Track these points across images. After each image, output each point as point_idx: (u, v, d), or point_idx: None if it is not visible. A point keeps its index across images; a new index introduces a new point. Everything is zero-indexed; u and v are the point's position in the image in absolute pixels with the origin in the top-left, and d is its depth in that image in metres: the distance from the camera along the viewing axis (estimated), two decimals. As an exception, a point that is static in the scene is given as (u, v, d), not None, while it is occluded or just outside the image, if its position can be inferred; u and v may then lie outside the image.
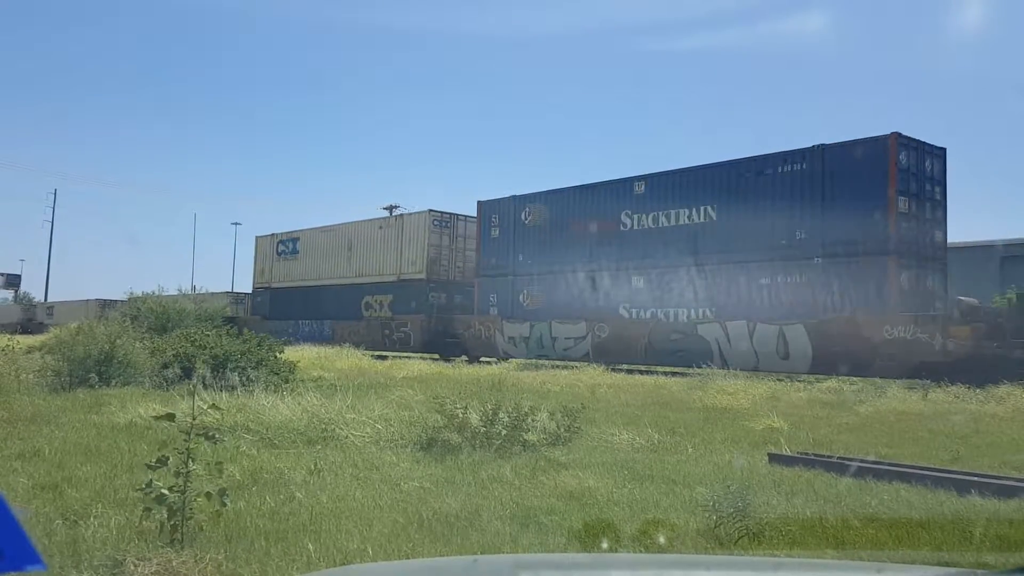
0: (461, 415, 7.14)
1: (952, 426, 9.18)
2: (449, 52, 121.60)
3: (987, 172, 76.29)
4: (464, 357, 23.61)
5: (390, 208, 38.85)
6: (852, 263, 16.59)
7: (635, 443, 7.47)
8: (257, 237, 36.50)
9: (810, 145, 17.46)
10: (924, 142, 16.76)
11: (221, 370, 11.39)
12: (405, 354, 24.78)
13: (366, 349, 25.78)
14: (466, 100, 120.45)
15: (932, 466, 6.27)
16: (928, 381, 13.05)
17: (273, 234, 35.33)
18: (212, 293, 39.22)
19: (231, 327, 15.31)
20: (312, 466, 5.87)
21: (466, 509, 4.73)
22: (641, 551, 3.97)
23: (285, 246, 34.38)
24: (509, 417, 7.12)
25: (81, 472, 5.64)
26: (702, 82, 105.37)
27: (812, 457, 6.54)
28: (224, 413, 6.32)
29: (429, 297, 26.66)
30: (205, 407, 4.45)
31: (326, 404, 8.47)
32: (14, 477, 5.44)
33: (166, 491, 3.78)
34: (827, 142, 17.29)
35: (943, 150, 17.12)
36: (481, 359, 23.11)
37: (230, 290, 43.62)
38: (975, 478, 5.59)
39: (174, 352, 12.48)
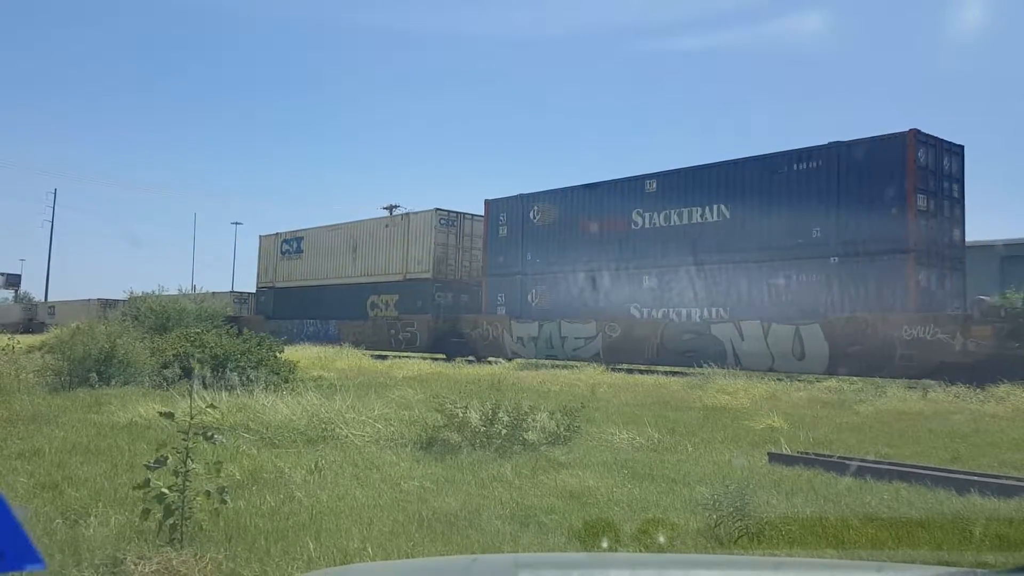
0: (461, 414, 7.14)
1: (952, 426, 9.19)
2: (449, 52, 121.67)
3: (988, 172, 76.29)
4: (471, 357, 23.35)
5: (390, 208, 38.88)
6: (869, 262, 16.33)
7: (635, 442, 7.47)
8: (261, 236, 36.32)
9: (824, 143, 17.23)
10: (942, 139, 16.50)
11: (221, 370, 11.39)
12: (411, 354, 24.54)
13: (372, 349, 25.67)
14: (466, 100, 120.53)
15: (932, 465, 6.27)
16: (948, 382, 12.90)
17: (277, 233, 35.17)
18: (216, 293, 39.21)
19: (231, 327, 15.30)
20: (312, 465, 5.87)
21: (466, 508, 4.73)
22: (641, 550, 3.97)
23: (289, 245, 34.23)
24: (509, 416, 7.12)
25: (81, 471, 5.64)
26: (702, 82, 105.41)
27: (812, 456, 6.54)
28: (224, 412, 6.32)
29: (435, 297, 26.47)
30: (204, 406, 4.45)
31: (326, 403, 8.47)
32: (14, 476, 5.44)
33: (165, 490, 3.78)
34: (832, 141, 17.09)
35: (961, 147, 16.87)
36: (489, 359, 22.86)
37: (232, 290, 43.63)
38: (975, 477, 5.59)
39: (174, 352, 12.49)
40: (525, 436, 7.03)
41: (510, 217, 24.29)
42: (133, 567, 3.42)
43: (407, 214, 29.05)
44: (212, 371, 11.19)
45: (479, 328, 24.44)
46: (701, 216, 19.34)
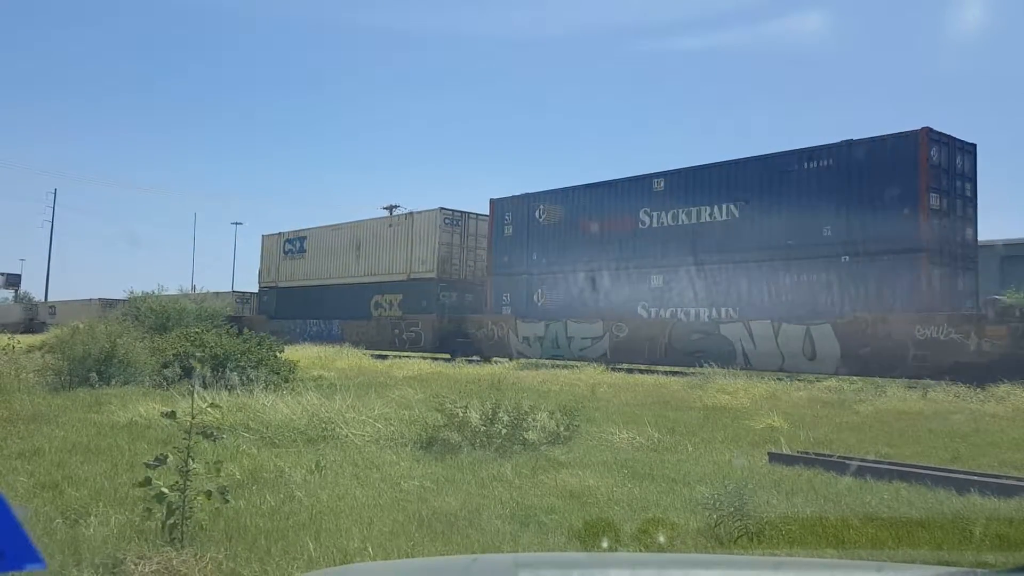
0: (461, 414, 7.13)
1: (952, 425, 9.19)
2: (449, 52, 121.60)
3: (989, 172, 76.23)
4: (476, 357, 23.19)
5: (390, 208, 38.80)
6: (882, 261, 16.18)
7: (635, 442, 7.47)
8: (263, 236, 36.20)
9: (835, 141, 17.07)
10: (955, 137, 16.35)
11: (221, 369, 11.39)
12: (416, 354, 24.38)
13: (376, 349, 25.55)
14: (466, 100, 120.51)
15: (932, 465, 6.27)
16: (963, 382, 12.80)
17: (280, 233, 35.08)
18: (218, 293, 39.17)
19: (231, 327, 15.30)
20: (312, 465, 5.87)
21: (466, 508, 4.73)
22: (641, 550, 3.97)
23: (292, 245, 34.15)
24: (509, 416, 7.12)
25: (81, 471, 5.64)
26: (702, 82, 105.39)
27: (812, 456, 6.54)
28: (224, 412, 6.32)
29: (440, 296, 26.33)
30: (205, 406, 4.46)
31: (326, 403, 8.47)
32: (14, 476, 5.44)
33: (165, 490, 3.78)
34: (843, 139, 16.94)
35: (973, 146, 16.72)
36: (494, 359, 22.69)
37: (232, 289, 43.61)
38: (975, 477, 5.60)
39: (174, 352, 12.49)
40: (525, 436, 7.03)
41: (515, 216, 24.16)
42: (133, 567, 3.42)
43: (411, 213, 28.86)
44: (212, 371, 11.20)
45: (484, 328, 24.29)
46: (710, 215, 19.18)
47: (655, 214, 20.41)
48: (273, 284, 35.03)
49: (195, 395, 4.95)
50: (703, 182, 19.50)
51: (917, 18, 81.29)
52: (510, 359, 22.47)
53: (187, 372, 11.58)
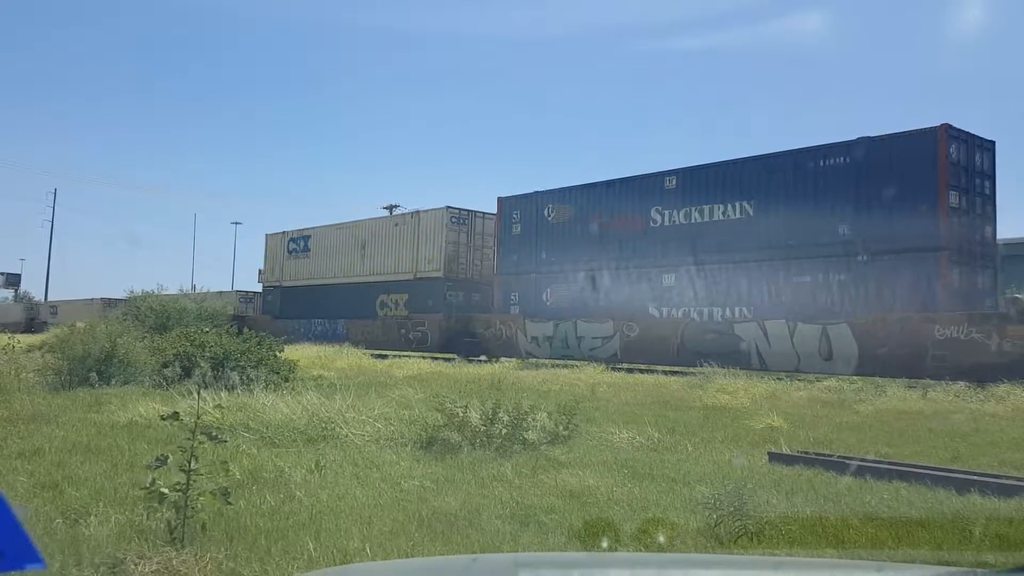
0: (461, 414, 7.13)
1: (952, 425, 9.19)
2: (449, 52, 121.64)
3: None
4: (483, 357, 22.80)
5: (390, 208, 38.84)
6: (899, 260, 15.87)
7: (635, 442, 7.47)
8: (267, 235, 35.95)
9: (852, 138, 16.80)
10: (974, 135, 16.09)
11: (221, 369, 11.39)
12: (422, 354, 24.03)
13: (382, 349, 25.33)
14: (466, 100, 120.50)
15: (932, 465, 6.27)
16: (982, 383, 12.65)
17: (284, 232, 34.84)
18: (222, 292, 39.10)
19: (231, 327, 15.30)
20: (312, 465, 5.87)
21: (466, 508, 4.73)
22: (641, 550, 3.97)
23: (296, 244, 33.95)
24: (509, 416, 7.12)
25: (81, 471, 5.64)
26: (702, 82, 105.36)
27: (812, 456, 6.54)
28: (224, 412, 6.33)
29: (447, 296, 26.08)
30: (209, 407, 4.46)
31: (326, 403, 8.47)
32: (14, 476, 5.44)
33: (165, 490, 3.78)
34: (860, 136, 16.68)
35: (992, 143, 16.47)
36: (502, 359, 22.37)
37: (235, 289, 43.58)
38: (975, 477, 5.59)
39: (174, 351, 12.49)
40: (525, 435, 7.03)
41: (524, 215, 23.87)
42: (133, 567, 3.42)
43: (417, 212, 28.53)
44: (212, 370, 11.20)
45: (492, 328, 23.94)
46: (723, 213, 18.85)
47: (667, 212, 20.06)
48: (277, 283, 34.86)
49: (199, 396, 4.95)
50: (715, 180, 19.15)
51: (917, 18, 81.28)
52: (519, 359, 22.18)
53: (187, 372, 11.58)
